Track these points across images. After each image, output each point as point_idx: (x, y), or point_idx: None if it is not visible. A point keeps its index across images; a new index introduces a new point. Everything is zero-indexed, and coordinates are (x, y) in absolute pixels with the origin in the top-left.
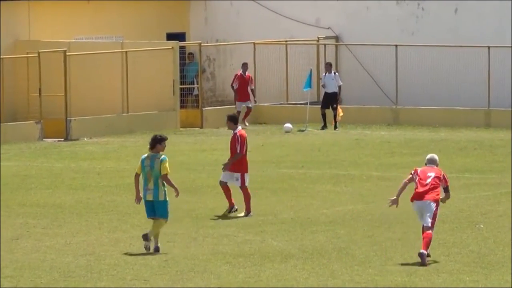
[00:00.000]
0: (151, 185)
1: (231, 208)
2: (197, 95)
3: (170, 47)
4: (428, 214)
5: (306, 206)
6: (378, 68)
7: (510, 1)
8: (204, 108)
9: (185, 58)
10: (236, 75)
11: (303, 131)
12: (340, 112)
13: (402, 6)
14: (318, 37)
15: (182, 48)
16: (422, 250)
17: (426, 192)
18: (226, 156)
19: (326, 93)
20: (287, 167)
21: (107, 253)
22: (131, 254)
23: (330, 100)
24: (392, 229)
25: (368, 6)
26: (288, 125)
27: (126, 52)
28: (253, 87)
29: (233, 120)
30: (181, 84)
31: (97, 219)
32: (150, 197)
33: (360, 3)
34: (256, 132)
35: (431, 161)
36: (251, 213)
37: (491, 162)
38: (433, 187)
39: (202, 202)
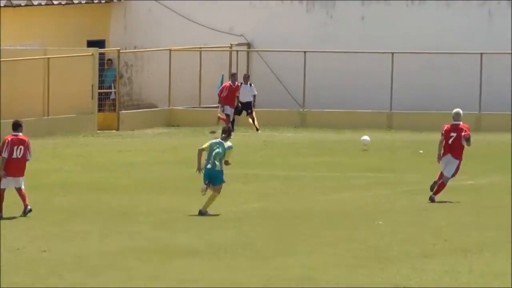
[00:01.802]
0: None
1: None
2: (114, 99)
3: (90, 53)
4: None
5: (215, 204)
6: (287, 73)
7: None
8: (120, 112)
9: (104, 64)
10: (224, 85)
11: (214, 133)
12: (254, 117)
13: (311, 13)
14: (231, 44)
15: (101, 54)
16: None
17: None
18: (140, 157)
19: (240, 102)
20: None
21: (24, 249)
22: (46, 251)
23: (244, 108)
24: (294, 226)
25: (279, 14)
26: (365, 137)
27: (48, 58)
28: (238, 95)
29: None
30: (99, 88)
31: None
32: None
33: (271, 11)
34: (170, 134)
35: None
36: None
37: (392, 162)
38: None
39: (116, 201)
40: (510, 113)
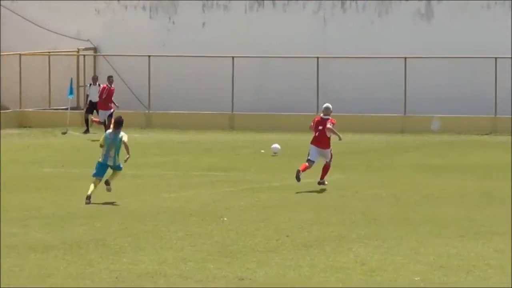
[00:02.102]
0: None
1: None
2: None
3: None
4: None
5: (66, 202)
6: (133, 76)
7: (253, 15)
8: None
9: None
10: (103, 87)
11: (64, 133)
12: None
13: (154, 19)
14: (78, 49)
15: None
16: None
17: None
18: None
19: (91, 102)
20: (49, 167)
21: None
22: None
23: (95, 108)
24: (144, 222)
25: (124, 20)
26: (276, 145)
27: None
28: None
29: None
30: None
31: None
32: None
33: (117, 17)
34: (22, 136)
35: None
36: None
37: (235, 161)
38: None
39: None
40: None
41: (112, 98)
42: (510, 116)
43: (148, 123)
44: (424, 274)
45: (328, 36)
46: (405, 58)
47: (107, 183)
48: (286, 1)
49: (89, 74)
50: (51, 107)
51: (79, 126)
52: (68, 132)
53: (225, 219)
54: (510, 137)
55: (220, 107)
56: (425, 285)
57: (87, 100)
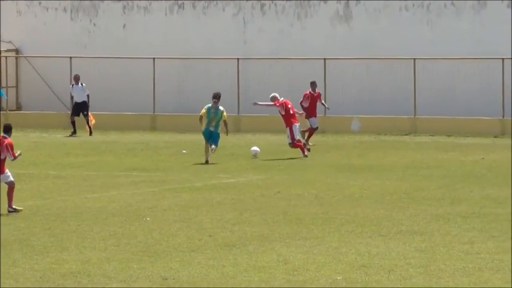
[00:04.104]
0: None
1: None
2: None
3: None
4: None
5: None
6: (55, 78)
7: (173, 17)
8: None
9: None
10: (305, 94)
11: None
12: (92, 119)
13: (76, 21)
14: (0, 50)
15: None
16: None
17: None
18: None
19: (76, 103)
20: None
21: None
22: None
23: (80, 109)
24: (67, 222)
25: (45, 22)
26: (255, 148)
27: None
28: (323, 101)
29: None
30: None
31: None
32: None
33: (38, 18)
34: None
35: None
36: None
37: (157, 161)
38: None
39: None
40: (267, 115)
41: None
42: (429, 117)
43: (70, 124)
44: (346, 273)
45: (248, 37)
46: (324, 59)
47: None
48: (206, 2)
49: (11, 76)
50: None
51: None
52: None
53: (148, 219)
54: (428, 137)
55: (142, 108)
56: (347, 285)
57: (72, 102)
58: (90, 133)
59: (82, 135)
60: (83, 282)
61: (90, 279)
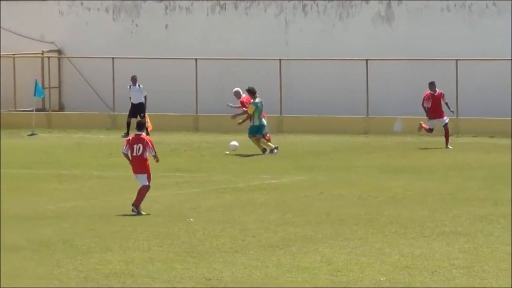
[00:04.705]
0: None
1: None
2: None
3: None
4: None
5: (33, 203)
6: (97, 78)
7: (215, 17)
8: None
9: None
10: (425, 95)
11: (31, 135)
12: (148, 121)
13: (118, 22)
14: (43, 51)
15: None
16: None
17: None
18: None
19: (132, 104)
20: (16, 168)
21: None
22: None
23: (137, 110)
24: (111, 223)
25: (87, 22)
26: (234, 143)
27: None
28: (446, 101)
29: None
30: None
31: None
32: None
33: (80, 19)
34: None
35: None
36: None
37: (200, 162)
38: None
39: None
40: (310, 116)
41: (443, 103)
42: (472, 118)
43: (113, 124)
44: (389, 274)
45: (290, 38)
46: (367, 60)
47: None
48: (248, 2)
49: (54, 77)
50: (17, 109)
51: (45, 128)
52: (35, 133)
53: (191, 219)
54: (471, 138)
55: (184, 108)
56: (391, 285)
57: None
58: (147, 133)
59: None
60: (127, 283)
61: (134, 280)
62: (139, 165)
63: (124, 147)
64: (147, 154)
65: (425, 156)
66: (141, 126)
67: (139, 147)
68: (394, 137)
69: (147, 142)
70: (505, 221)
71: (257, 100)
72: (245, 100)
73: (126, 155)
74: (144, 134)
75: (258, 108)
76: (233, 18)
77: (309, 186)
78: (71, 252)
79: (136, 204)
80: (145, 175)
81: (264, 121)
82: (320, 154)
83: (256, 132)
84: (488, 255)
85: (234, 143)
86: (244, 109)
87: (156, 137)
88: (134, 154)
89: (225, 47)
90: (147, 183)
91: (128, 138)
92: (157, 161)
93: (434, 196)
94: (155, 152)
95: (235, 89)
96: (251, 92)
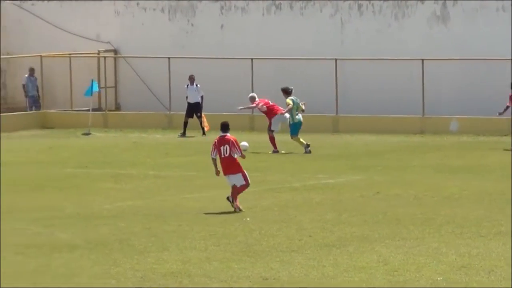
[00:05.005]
0: None
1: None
2: None
3: None
4: None
5: (89, 202)
6: (153, 78)
7: (271, 17)
8: None
9: None
10: (511, 95)
11: (87, 134)
12: (206, 125)
13: (173, 22)
14: (99, 51)
15: None
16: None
17: None
18: (17, 157)
19: (189, 103)
20: (72, 167)
21: None
22: None
23: (194, 110)
24: (167, 222)
25: (143, 22)
26: (244, 143)
27: None
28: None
29: None
30: None
31: None
32: None
33: (136, 19)
34: (44, 136)
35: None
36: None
37: (256, 162)
38: None
39: None
40: (366, 115)
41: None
42: None
43: (169, 124)
44: (446, 274)
45: (345, 38)
46: (422, 60)
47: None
48: (304, 2)
49: (110, 76)
50: (73, 108)
51: (101, 127)
52: (90, 133)
53: (248, 219)
54: None
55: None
56: (448, 285)
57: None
58: (203, 133)
59: (193, 136)
60: (183, 282)
61: (191, 279)
62: (231, 165)
63: (212, 152)
64: (235, 153)
65: (481, 155)
66: (225, 127)
67: (226, 148)
68: (450, 136)
69: (232, 142)
70: None
71: (292, 97)
72: (259, 105)
73: (214, 161)
74: (229, 134)
75: (295, 103)
76: (289, 18)
77: (365, 186)
78: (128, 252)
79: (237, 204)
80: (240, 174)
81: (291, 117)
82: (376, 154)
83: (297, 130)
84: None
85: (245, 143)
86: (253, 105)
87: (212, 137)
88: (222, 155)
89: (281, 47)
90: (245, 182)
91: (214, 142)
92: (244, 157)
93: (490, 195)
94: (241, 151)
95: (251, 94)
96: (286, 92)
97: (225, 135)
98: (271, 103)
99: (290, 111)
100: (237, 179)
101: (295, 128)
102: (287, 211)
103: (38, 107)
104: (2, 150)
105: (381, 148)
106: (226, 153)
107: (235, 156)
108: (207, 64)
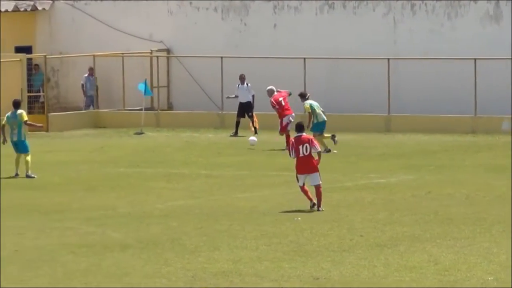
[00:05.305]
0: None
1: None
2: (43, 102)
3: (18, 59)
4: None
5: (141, 202)
6: (206, 77)
7: (324, 16)
8: (49, 114)
9: (32, 69)
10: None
11: (140, 134)
12: (256, 121)
13: (226, 21)
14: (151, 50)
15: (29, 59)
16: None
17: None
18: (70, 156)
19: (240, 103)
20: (124, 167)
21: None
22: None
23: (245, 109)
24: (219, 221)
25: (196, 22)
26: (253, 138)
27: None
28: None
29: None
30: (28, 92)
31: None
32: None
33: (189, 18)
34: (97, 135)
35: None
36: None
37: None
38: None
39: (48, 198)
40: (419, 115)
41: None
42: None
43: (221, 123)
44: (497, 273)
45: (398, 37)
46: (475, 59)
47: (333, 137)
48: (357, 2)
49: (163, 76)
50: (126, 108)
51: (153, 127)
52: (143, 132)
53: (299, 218)
54: None
55: (293, 108)
56: (498, 285)
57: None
58: (255, 132)
59: (245, 135)
60: (234, 282)
61: (242, 279)
62: (310, 164)
63: (291, 153)
64: (314, 151)
65: None
66: (301, 127)
67: (306, 147)
68: (502, 136)
69: (311, 140)
70: None
71: (309, 101)
72: (275, 106)
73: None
74: (304, 134)
75: (313, 106)
76: (342, 17)
77: (417, 186)
78: (179, 251)
79: (319, 205)
80: (317, 173)
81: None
82: (428, 154)
83: (317, 129)
84: None
85: (253, 138)
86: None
87: (263, 136)
88: (301, 154)
89: (333, 46)
90: (320, 182)
91: (291, 143)
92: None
93: None
94: (319, 148)
95: (269, 87)
96: (303, 96)
97: (301, 135)
98: (284, 103)
99: (310, 118)
100: (314, 178)
101: (318, 127)
102: (339, 211)
103: (95, 106)
104: (53, 150)
105: (433, 147)
106: (306, 152)
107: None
108: (260, 64)
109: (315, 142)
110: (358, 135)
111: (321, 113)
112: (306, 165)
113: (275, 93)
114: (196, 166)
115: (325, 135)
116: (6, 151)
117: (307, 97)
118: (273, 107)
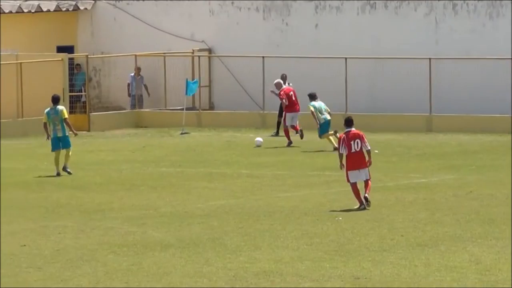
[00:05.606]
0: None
1: None
2: (84, 102)
3: (60, 58)
4: None
5: (183, 201)
6: (247, 77)
7: (365, 16)
8: (91, 113)
9: (74, 69)
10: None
11: (185, 133)
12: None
13: (268, 21)
14: (193, 50)
15: (70, 59)
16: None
17: None
18: (111, 156)
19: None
20: (165, 166)
21: (4, 244)
22: (26, 245)
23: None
24: (260, 221)
25: (238, 21)
26: (259, 139)
27: (21, 63)
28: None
29: None
30: (70, 92)
31: None
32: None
33: (231, 18)
34: (138, 135)
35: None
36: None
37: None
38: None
39: (89, 198)
40: (460, 115)
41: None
42: None
43: (263, 123)
44: None
45: (440, 37)
46: None
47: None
48: (398, 2)
49: (204, 75)
50: (167, 108)
51: (195, 126)
52: (188, 132)
53: (340, 218)
54: None
55: (334, 107)
56: None
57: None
58: (297, 132)
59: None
60: (275, 281)
61: (283, 278)
62: (361, 160)
63: (341, 148)
64: (365, 147)
65: None
66: (350, 122)
67: (357, 142)
68: None
69: (362, 136)
70: None
71: (314, 102)
72: (283, 99)
73: (341, 156)
74: (354, 129)
75: (316, 108)
76: (383, 17)
77: (458, 185)
78: (220, 251)
79: (367, 199)
80: (367, 169)
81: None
82: (470, 153)
83: (322, 131)
84: None
85: (259, 139)
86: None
87: (305, 136)
88: (353, 150)
89: (375, 46)
90: (369, 177)
91: (342, 138)
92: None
93: None
94: (369, 146)
95: (277, 80)
96: (312, 97)
97: (351, 130)
98: (293, 98)
99: (315, 117)
100: (365, 174)
101: (322, 128)
102: (380, 210)
103: (141, 106)
104: (95, 150)
105: (475, 147)
106: (357, 147)
107: (364, 150)
108: (301, 63)
109: (365, 138)
110: (399, 135)
111: (326, 114)
112: (358, 161)
113: (284, 86)
114: (237, 166)
115: (330, 132)
116: (42, 151)
117: (315, 98)
118: (282, 99)
